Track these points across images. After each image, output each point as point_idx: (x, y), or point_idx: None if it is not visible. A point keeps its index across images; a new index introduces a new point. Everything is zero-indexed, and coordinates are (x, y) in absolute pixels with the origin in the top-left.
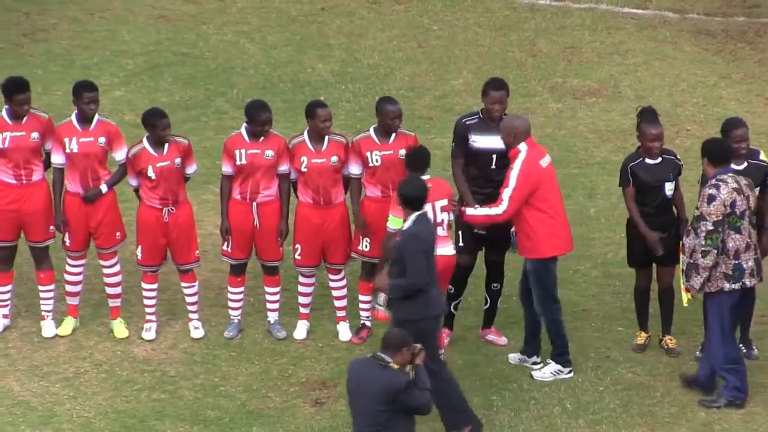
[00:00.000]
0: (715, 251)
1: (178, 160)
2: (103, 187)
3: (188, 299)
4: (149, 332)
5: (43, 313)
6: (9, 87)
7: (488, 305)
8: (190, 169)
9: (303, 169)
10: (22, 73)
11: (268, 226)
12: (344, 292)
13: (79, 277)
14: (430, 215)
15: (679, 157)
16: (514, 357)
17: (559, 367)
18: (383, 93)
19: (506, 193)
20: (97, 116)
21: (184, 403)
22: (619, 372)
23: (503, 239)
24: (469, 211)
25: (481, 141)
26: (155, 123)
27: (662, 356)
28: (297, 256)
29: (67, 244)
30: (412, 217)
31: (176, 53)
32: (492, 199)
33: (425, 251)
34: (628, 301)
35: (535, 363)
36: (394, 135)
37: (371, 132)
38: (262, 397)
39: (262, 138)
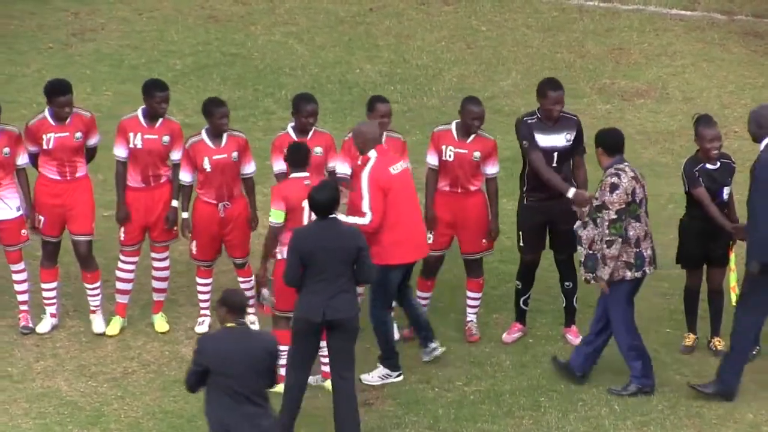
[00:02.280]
0: (620, 240)
1: (235, 154)
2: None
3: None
4: (202, 326)
5: (92, 307)
6: (51, 90)
7: (565, 304)
8: (248, 168)
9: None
10: (70, 73)
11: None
12: None
13: (131, 275)
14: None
15: (733, 159)
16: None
17: (387, 371)
18: (432, 94)
19: (365, 205)
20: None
21: None
22: (666, 374)
23: (567, 238)
24: (340, 217)
25: (542, 140)
26: (213, 111)
27: (710, 358)
28: None
29: (122, 238)
30: (314, 219)
31: (225, 54)
32: (552, 197)
33: (299, 250)
34: (676, 303)
35: (433, 349)
36: (473, 136)
37: (453, 126)
38: (310, 397)
39: (309, 135)
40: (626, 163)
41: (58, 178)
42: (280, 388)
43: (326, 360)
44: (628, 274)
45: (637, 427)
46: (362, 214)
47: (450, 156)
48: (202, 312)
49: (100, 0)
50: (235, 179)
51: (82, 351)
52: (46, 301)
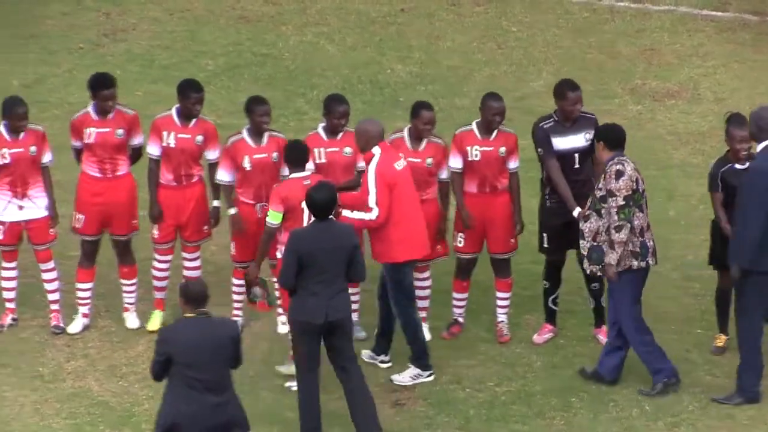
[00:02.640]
0: (629, 225)
1: (275, 155)
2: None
3: (278, 293)
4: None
5: (126, 304)
6: (95, 82)
7: (594, 305)
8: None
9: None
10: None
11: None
12: (428, 292)
13: (166, 273)
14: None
15: None
16: (366, 354)
17: (418, 371)
18: (462, 95)
19: (371, 200)
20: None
21: (263, 405)
22: (698, 374)
23: None
24: (345, 212)
25: (562, 143)
26: (254, 109)
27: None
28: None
29: (156, 236)
30: (312, 220)
31: (256, 54)
32: (576, 198)
33: (297, 253)
34: (707, 304)
35: (383, 362)
36: (495, 132)
37: (473, 126)
38: (341, 398)
39: (339, 135)
40: (626, 157)
41: (99, 175)
42: (291, 369)
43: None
44: (635, 263)
45: (668, 428)
46: (368, 210)
47: (476, 156)
48: (235, 313)
49: (131, 0)
50: (274, 179)
51: (114, 351)
52: (80, 301)
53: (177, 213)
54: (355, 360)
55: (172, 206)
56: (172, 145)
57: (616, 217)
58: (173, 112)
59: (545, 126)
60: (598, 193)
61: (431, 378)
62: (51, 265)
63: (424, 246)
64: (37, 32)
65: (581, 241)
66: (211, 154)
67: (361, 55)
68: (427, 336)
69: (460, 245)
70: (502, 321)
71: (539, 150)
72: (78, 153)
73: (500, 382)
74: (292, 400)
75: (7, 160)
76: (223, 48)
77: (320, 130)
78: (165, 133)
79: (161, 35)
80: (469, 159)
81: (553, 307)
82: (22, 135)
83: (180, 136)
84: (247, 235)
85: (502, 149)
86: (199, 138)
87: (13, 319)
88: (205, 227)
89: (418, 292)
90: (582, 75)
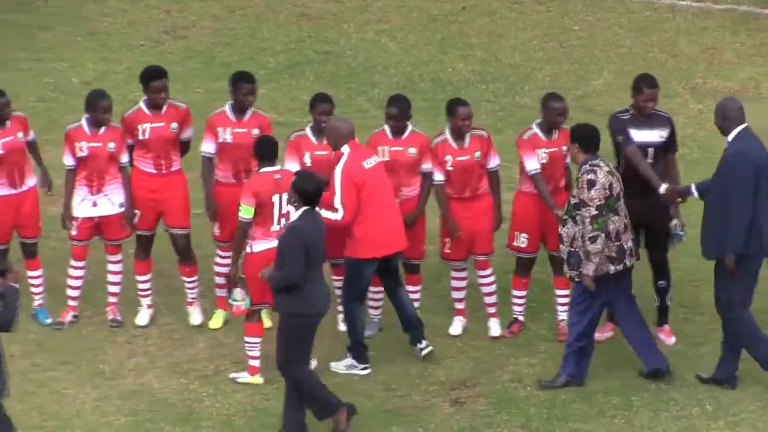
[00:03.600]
0: (603, 235)
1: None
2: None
3: (338, 292)
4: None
5: (189, 299)
6: (146, 75)
7: (658, 303)
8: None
9: (449, 168)
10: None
11: (412, 222)
12: (493, 288)
13: (224, 269)
14: (281, 209)
15: None
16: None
17: (353, 362)
18: (524, 93)
19: (336, 200)
20: (251, 108)
21: None
22: (760, 373)
23: (662, 237)
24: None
25: (637, 136)
26: (315, 106)
27: None
28: (447, 250)
29: (217, 234)
30: (299, 211)
31: (317, 51)
32: (644, 193)
33: (305, 246)
34: None
35: (421, 350)
36: (557, 131)
37: (536, 128)
38: (402, 396)
39: (405, 135)
40: (600, 158)
41: (154, 171)
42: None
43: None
44: (612, 269)
45: (729, 427)
46: (334, 210)
47: (544, 158)
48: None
49: None
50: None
51: (174, 348)
52: (141, 293)
53: (237, 210)
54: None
55: (232, 204)
56: (229, 140)
57: (589, 227)
58: (226, 108)
59: (622, 117)
60: (572, 200)
61: (366, 372)
62: (118, 257)
63: (394, 244)
64: (97, 29)
65: (561, 246)
66: None
67: (423, 52)
68: (497, 332)
69: (523, 245)
70: (563, 319)
71: (618, 138)
72: (131, 150)
73: None
74: (354, 398)
75: (85, 154)
76: (284, 45)
77: (386, 129)
78: (220, 130)
79: (222, 32)
80: (542, 162)
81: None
82: (103, 130)
83: (236, 130)
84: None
85: (565, 147)
86: (255, 131)
87: (74, 317)
88: None
89: (483, 289)
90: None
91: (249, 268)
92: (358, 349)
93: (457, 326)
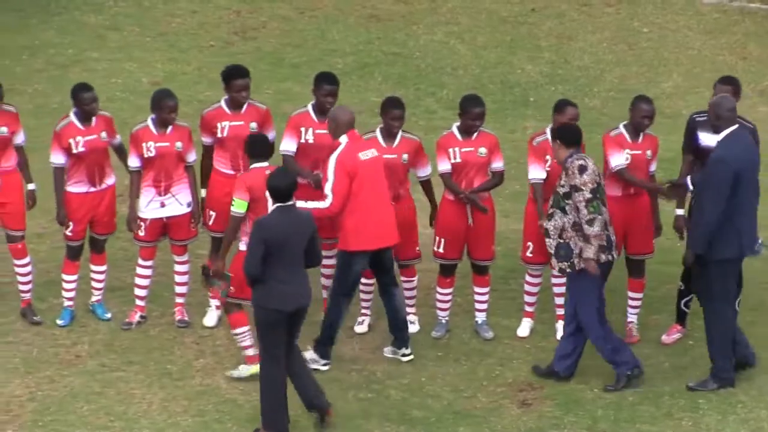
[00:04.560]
0: (600, 217)
1: (405, 156)
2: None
3: (407, 293)
4: (362, 326)
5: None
6: (228, 73)
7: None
8: (423, 171)
9: (547, 168)
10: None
11: (479, 224)
12: (563, 289)
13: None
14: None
15: None
16: (387, 350)
17: (316, 356)
18: (593, 95)
19: (327, 188)
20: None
21: (390, 403)
22: None
23: None
24: (299, 203)
25: (709, 139)
26: (387, 110)
27: None
28: (529, 254)
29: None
30: (273, 206)
31: (386, 53)
32: None
33: (265, 242)
34: None
35: (404, 355)
36: (642, 134)
37: (622, 129)
38: (469, 397)
39: (474, 135)
40: (583, 154)
41: (231, 172)
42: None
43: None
44: (602, 257)
45: None
46: (323, 197)
47: (627, 159)
48: (363, 311)
49: None
50: (402, 181)
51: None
52: (212, 294)
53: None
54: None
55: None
56: (311, 141)
57: (585, 211)
58: (309, 108)
59: (697, 119)
60: (561, 190)
61: (327, 368)
62: (185, 257)
63: (385, 238)
64: (167, 30)
65: (547, 240)
66: None
67: (492, 54)
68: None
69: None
70: (632, 321)
71: (688, 139)
72: (207, 150)
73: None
74: (421, 399)
75: (153, 154)
76: (352, 47)
77: (454, 130)
78: (302, 130)
79: (291, 34)
80: (626, 162)
81: (685, 309)
82: (169, 129)
83: (318, 131)
84: None
85: (649, 152)
86: None
87: (142, 317)
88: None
89: (555, 289)
90: (712, 77)
91: (238, 264)
92: (325, 344)
93: (525, 328)
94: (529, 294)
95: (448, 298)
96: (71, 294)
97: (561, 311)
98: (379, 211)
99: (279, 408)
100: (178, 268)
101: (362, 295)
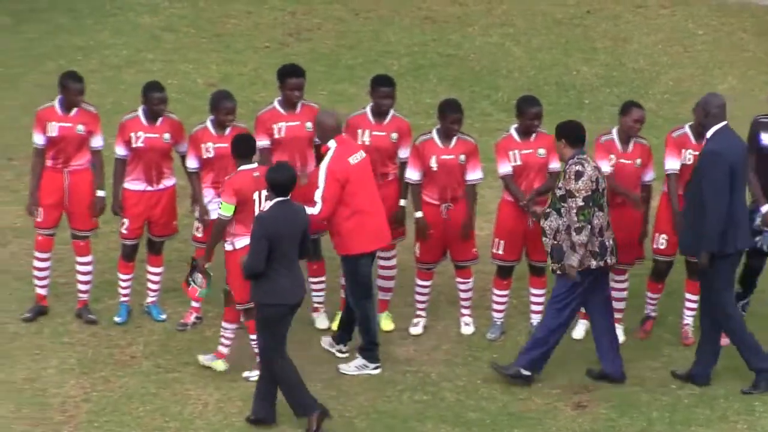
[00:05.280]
0: (589, 226)
1: (462, 157)
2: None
3: (462, 295)
4: (417, 327)
5: (315, 304)
6: (283, 71)
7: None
8: (475, 175)
9: (609, 167)
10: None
11: (539, 225)
12: (625, 294)
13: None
14: (261, 205)
15: None
16: (325, 340)
17: (364, 362)
18: (648, 97)
19: (317, 194)
20: (392, 111)
21: (445, 405)
22: None
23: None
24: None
25: (766, 140)
26: (446, 114)
27: None
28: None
29: None
30: (271, 202)
31: (441, 55)
32: None
33: (268, 237)
34: None
35: (340, 351)
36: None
37: (687, 129)
38: (524, 399)
39: (533, 136)
40: (586, 155)
41: None
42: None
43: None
44: (593, 263)
45: None
46: (312, 204)
47: (689, 159)
48: (418, 313)
49: (316, 0)
50: (459, 183)
51: (296, 351)
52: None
53: None
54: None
55: None
56: (367, 142)
57: (575, 218)
58: (368, 110)
59: (760, 120)
60: (558, 192)
61: (378, 371)
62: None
63: (380, 239)
64: (222, 31)
65: (543, 239)
66: (404, 152)
67: (547, 56)
68: (621, 338)
69: (662, 246)
70: (688, 324)
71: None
72: (264, 151)
73: (683, 385)
74: (476, 402)
75: (211, 155)
76: (408, 48)
77: (513, 132)
78: (360, 132)
79: (346, 35)
80: (686, 163)
81: (742, 312)
82: (227, 131)
83: (375, 133)
84: (432, 236)
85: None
86: (394, 135)
87: (197, 318)
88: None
89: (615, 294)
90: (767, 79)
91: (231, 264)
92: (370, 349)
93: (580, 330)
94: None
95: (505, 299)
96: (126, 291)
97: (619, 315)
98: (373, 213)
99: (304, 393)
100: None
101: (417, 297)
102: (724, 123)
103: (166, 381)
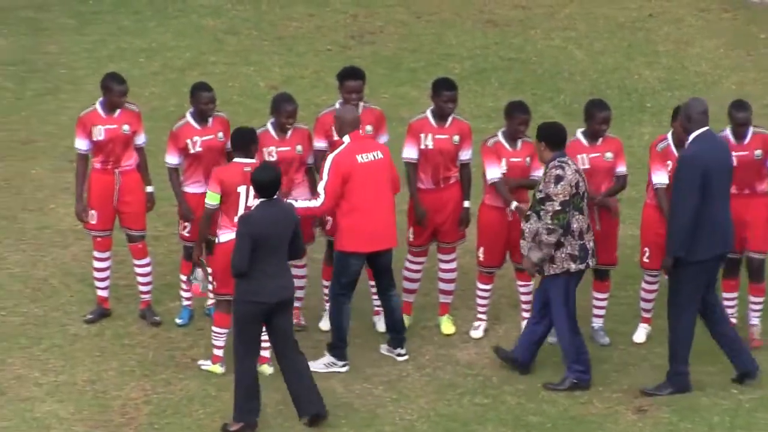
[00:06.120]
0: (560, 231)
1: (528, 159)
2: (467, 203)
3: (523, 298)
4: (477, 330)
5: (376, 308)
6: (343, 73)
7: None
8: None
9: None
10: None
11: (605, 229)
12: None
13: (418, 275)
14: (248, 200)
15: None
16: (383, 346)
17: (332, 359)
18: (710, 101)
19: (320, 186)
20: (453, 114)
21: (506, 408)
22: None
23: None
24: (290, 201)
25: None
26: (513, 115)
27: None
28: (646, 259)
29: (411, 239)
30: (257, 201)
31: (503, 58)
32: None
33: (252, 236)
34: None
35: (399, 354)
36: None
37: (728, 132)
38: (585, 403)
39: (600, 140)
40: (567, 157)
41: None
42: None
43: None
44: (573, 266)
45: None
46: (316, 195)
47: (735, 161)
48: (479, 316)
49: (378, 3)
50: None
51: (357, 353)
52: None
53: (435, 215)
54: (297, 342)
55: (430, 210)
56: (430, 146)
57: (549, 221)
58: (428, 113)
59: None
60: (538, 195)
61: (346, 369)
62: (303, 261)
63: (381, 241)
64: (284, 34)
65: (521, 241)
66: (465, 155)
67: (609, 60)
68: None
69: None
70: (755, 324)
71: None
72: (318, 153)
73: (744, 389)
74: (537, 405)
75: (274, 158)
76: (469, 51)
77: (580, 136)
78: (422, 136)
79: (408, 38)
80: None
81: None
82: (289, 133)
83: (438, 137)
84: (495, 239)
85: (758, 152)
86: (456, 138)
87: None
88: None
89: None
90: None
91: (216, 257)
92: (339, 347)
93: (641, 333)
94: (646, 300)
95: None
96: (189, 294)
97: (647, 315)
98: (376, 214)
99: (252, 399)
100: (296, 272)
101: (479, 300)
102: (705, 128)
103: (227, 384)
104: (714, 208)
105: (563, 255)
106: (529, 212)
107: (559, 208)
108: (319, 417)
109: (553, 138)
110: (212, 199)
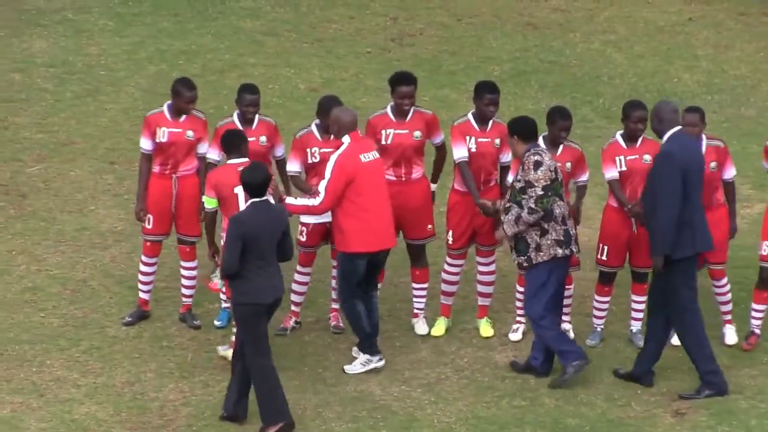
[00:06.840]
0: (542, 213)
1: (569, 165)
2: (495, 203)
3: (566, 300)
4: (516, 333)
5: (415, 310)
6: (395, 78)
7: None
8: (582, 177)
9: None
10: (387, 78)
11: (644, 231)
12: (728, 296)
13: (456, 277)
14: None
15: None
16: (355, 350)
17: (367, 357)
18: (749, 105)
19: (322, 185)
20: (493, 119)
21: (544, 410)
22: None
23: None
24: (289, 200)
25: None
26: (555, 120)
27: None
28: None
29: (450, 242)
30: (247, 202)
31: (543, 61)
32: None
33: (242, 237)
34: None
35: (370, 361)
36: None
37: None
38: (623, 406)
39: (639, 142)
40: (541, 147)
41: (393, 178)
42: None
43: None
44: (560, 251)
45: None
46: (315, 194)
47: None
48: (518, 318)
49: (418, 5)
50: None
51: (396, 356)
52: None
53: (472, 219)
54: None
55: (468, 212)
56: (474, 149)
57: (533, 204)
58: (470, 117)
59: None
60: (517, 185)
61: (382, 363)
62: (334, 262)
63: (385, 240)
64: (324, 36)
65: (503, 216)
66: (505, 157)
67: (649, 63)
68: (733, 339)
69: (765, 253)
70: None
71: None
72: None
73: None
74: (575, 408)
75: (317, 159)
76: (509, 54)
77: (618, 138)
78: (468, 138)
79: (448, 40)
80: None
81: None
82: (333, 135)
83: (480, 140)
84: None
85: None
86: (497, 141)
87: (296, 323)
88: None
89: (718, 298)
90: None
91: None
92: (368, 343)
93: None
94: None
95: (606, 306)
96: (226, 297)
97: (728, 317)
98: (379, 214)
99: (277, 399)
100: (335, 273)
101: (518, 303)
102: (678, 128)
103: None
104: (693, 207)
105: (549, 241)
106: (508, 204)
107: (541, 192)
108: (230, 420)
109: (525, 131)
110: (209, 204)
